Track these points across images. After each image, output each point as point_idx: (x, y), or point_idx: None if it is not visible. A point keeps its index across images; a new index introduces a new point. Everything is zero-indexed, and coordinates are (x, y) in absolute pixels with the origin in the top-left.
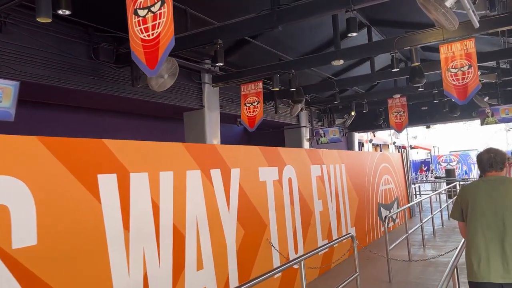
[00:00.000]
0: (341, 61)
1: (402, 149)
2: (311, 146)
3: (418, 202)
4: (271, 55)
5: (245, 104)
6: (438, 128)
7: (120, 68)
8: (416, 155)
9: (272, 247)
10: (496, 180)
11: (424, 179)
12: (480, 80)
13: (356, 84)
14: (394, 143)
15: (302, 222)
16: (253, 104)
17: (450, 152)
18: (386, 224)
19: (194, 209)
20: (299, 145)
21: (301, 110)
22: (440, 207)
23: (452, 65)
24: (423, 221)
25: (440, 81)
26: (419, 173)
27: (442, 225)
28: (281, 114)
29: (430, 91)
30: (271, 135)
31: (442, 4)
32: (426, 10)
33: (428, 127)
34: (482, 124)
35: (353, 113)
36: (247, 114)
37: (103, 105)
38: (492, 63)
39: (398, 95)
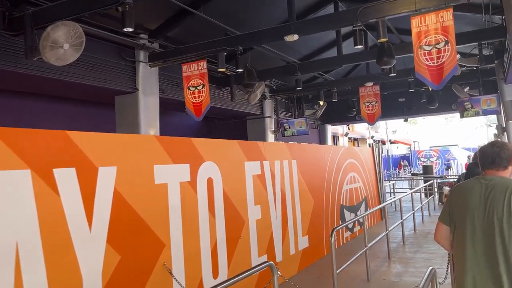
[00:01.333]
0: (296, 36)
1: (374, 144)
2: (276, 139)
3: (392, 202)
4: (219, 29)
5: (188, 88)
6: (420, 123)
7: (14, 36)
8: (397, 150)
9: (173, 277)
10: (496, 181)
11: (403, 175)
12: (460, 66)
13: (321, 68)
14: (372, 137)
15: (227, 236)
16: (198, 88)
17: (430, 147)
18: (333, 239)
19: None
20: (262, 137)
21: (265, 98)
22: (413, 209)
23: (426, 41)
24: (390, 228)
25: None
26: (398, 169)
27: (415, 230)
28: (242, 102)
29: (406, 79)
30: (233, 126)
31: None
32: None
33: (405, 120)
34: (461, 116)
35: (322, 103)
36: (192, 100)
37: None
38: (473, 46)
39: (371, 83)
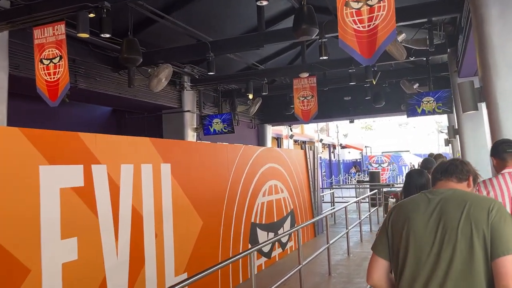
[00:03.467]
0: None
1: (307, 146)
2: (198, 138)
3: (331, 214)
4: None
5: (41, 61)
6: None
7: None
8: (349, 155)
9: None
10: (447, 195)
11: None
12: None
13: (239, 48)
14: (321, 140)
15: None
16: (53, 61)
17: (382, 152)
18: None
19: None
20: (181, 135)
21: (183, 89)
22: (347, 227)
23: None
24: (309, 259)
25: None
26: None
27: (348, 253)
28: (155, 93)
29: (346, 69)
30: (147, 121)
31: None
32: None
33: (351, 121)
34: (408, 116)
35: (250, 97)
36: (45, 78)
37: None
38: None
39: (306, 74)
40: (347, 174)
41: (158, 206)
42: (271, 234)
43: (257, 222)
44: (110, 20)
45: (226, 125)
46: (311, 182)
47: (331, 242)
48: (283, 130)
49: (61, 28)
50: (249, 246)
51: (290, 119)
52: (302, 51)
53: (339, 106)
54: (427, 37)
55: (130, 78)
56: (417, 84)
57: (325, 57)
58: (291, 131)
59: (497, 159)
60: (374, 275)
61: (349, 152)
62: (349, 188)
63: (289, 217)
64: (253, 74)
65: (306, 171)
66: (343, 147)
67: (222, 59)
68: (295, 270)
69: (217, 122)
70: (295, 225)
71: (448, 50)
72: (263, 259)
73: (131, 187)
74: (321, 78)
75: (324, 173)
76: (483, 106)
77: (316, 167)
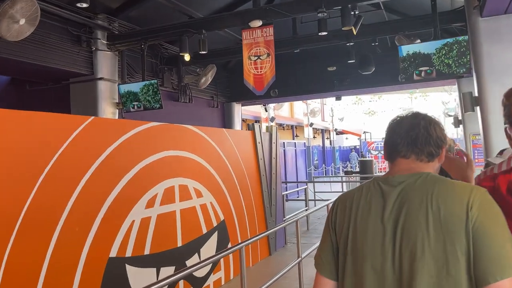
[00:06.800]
0: None
1: (256, 125)
2: (121, 116)
3: (280, 227)
4: None
5: None
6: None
7: None
8: (346, 141)
9: None
10: (409, 184)
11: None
12: None
13: None
14: (311, 124)
15: None
16: None
17: (383, 138)
18: None
19: None
20: (93, 111)
21: (90, 47)
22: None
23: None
24: None
25: None
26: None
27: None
28: (51, 53)
29: (315, 13)
30: (53, 92)
31: None
32: None
33: (338, 98)
34: (403, 82)
35: (187, 58)
36: None
37: None
38: None
39: (259, 23)
40: (347, 163)
41: None
42: (168, 269)
43: (128, 255)
44: None
45: (151, 98)
46: (263, 177)
47: (286, 267)
48: (262, 111)
49: None
50: None
51: (264, 96)
52: None
53: (323, 79)
54: None
55: None
56: (419, 40)
57: None
58: (266, 111)
59: None
60: None
61: (346, 138)
62: (334, 182)
63: (215, 234)
64: (186, 26)
65: (256, 161)
66: (339, 132)
67: (153, 8)
68: None
69: (136, 93)
70: (228, 245)
71: None
72: None
73: None
74: (288, 36)
75: (317, 162)
76: None
77: (277, 155)
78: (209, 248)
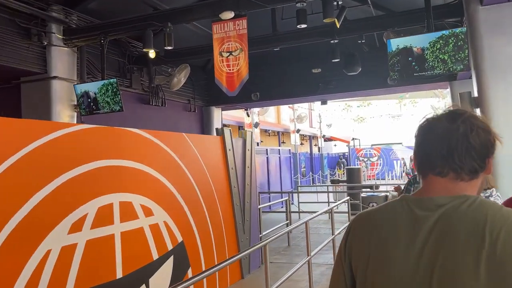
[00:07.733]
0: None
1: (225, 129)
2: (80, 120)
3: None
4: None
5: None
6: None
7: None
8: (335, 148)
9: None
10: (449, 211)
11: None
12: None
13: None
14: (298, 131)
15: None
16: None
17: (372, 145)
18: None
19: None
20: (47, 114)
21: (46, 43)
22: (309, 253)
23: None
24: None
25: None
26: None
27: None
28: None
29: (294, 3)
30: (5, 93)
31: None
32: None
33: (324, 102)
34: (392, 82)
35: (152, 55)
36: None
37: None
38: None
39: (231, 14)
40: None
41: None
42: None
43: None
44: None
45: (109, 100)
46: (234, 189)
47: None
48: (245, 117)
49: None
50: None
51: (245, 99)
52: None
53: (307, 81)
54: None
55: None
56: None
57: None
58: (248, 116)
59: None
60: None
61: (335, 145)
62: (318, 192)
63: (169, 259)
64: (150, 19)
65: (226, 171)
66: (327, 139)
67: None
68: None
69: (94, 94)
70: (188, 271)
71: None
72: None
73: None
74: (267, 33)
75: (304, 169)
76: None
77: (251, 164)
78: (161, 277)
